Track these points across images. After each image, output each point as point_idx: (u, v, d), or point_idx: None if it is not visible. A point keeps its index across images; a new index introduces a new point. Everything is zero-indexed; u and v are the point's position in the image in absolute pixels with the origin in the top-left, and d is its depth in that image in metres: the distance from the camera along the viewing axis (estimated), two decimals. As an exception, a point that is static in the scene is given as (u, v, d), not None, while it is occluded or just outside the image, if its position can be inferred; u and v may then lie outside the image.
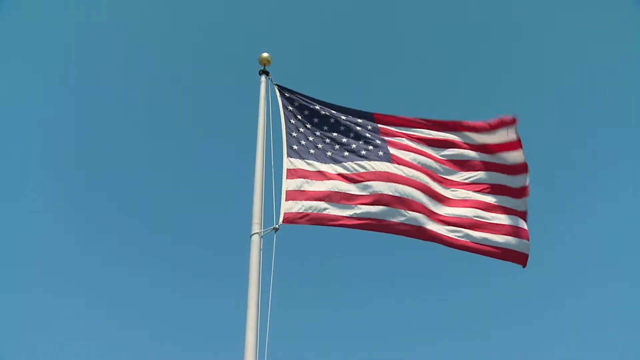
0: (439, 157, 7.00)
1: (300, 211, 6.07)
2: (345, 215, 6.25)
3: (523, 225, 6.70)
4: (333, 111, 7.17)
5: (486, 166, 6.95)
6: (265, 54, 7.55)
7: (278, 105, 7.13)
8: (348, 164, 6.70)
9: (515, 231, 6.63)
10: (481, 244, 6.54)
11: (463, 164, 7.01)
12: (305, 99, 7.27)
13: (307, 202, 6.17)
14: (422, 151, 6.97)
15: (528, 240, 6.64)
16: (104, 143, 20.00)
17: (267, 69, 7.50)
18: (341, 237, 20.44)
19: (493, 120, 6.94)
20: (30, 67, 18.56)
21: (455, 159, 7.03)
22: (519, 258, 6.60)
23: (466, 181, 6.92)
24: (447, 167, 6.95)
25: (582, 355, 16.40)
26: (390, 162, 6.73)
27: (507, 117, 6.86)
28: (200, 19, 21.45)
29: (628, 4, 17.28)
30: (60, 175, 19.28)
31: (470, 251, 6.56)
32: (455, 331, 17.71)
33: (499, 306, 18.77)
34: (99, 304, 17.20)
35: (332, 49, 22.89)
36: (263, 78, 7.38)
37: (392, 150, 6.85)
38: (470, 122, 7.06)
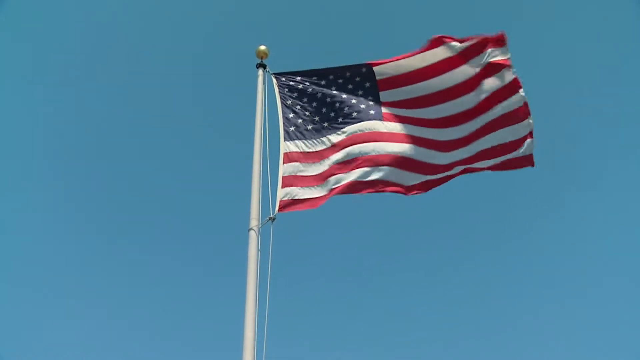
0: (436, 119, 6.86)
1: (294, 198, 6.07)
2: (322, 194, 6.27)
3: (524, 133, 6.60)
4: (322, 85, 7.10)
5: (482, 107, 6.72)
6: (262, 47, 7.45)
7: (275, 97, 7.01)
8: (339, 131, 6.72)
9: (517, 144, 6.60)
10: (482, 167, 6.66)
11: (459, 118, 6.82)
12: (297, 77, 7.21)
13: (302, 188, 6.17)
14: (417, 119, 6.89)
15: (531, 138, 6.58)
16: (100, 139, 19.95)
17: (265, 62, 7.41)
18: (343, 233, 20.26)
19: (480, 38, 6.59)
20: (30, 66, 18.59)
21: (452, 113, 6.85)
22: (525, 161, 6.63)
23: (466, 134, 6.76)
24: (443, 128, 6.81)
25: (584, 355, 16.35)
26: (381, 120, 6.76)
27: (495, 36, 6.54)
28: (197, 13, 21.46)
29: (628, 4, 17.27)
30: (57, 174, 19.25)
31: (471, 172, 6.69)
32: (455, 331, 17.67)
33: (500, 306, 18.71)
34: (96, 302, 17.18)
35: (331, 42, 22.78)
36: (260, 71, 7.30)
37: (384, 110, 6.85)
38: (460, 42, 6.66)
